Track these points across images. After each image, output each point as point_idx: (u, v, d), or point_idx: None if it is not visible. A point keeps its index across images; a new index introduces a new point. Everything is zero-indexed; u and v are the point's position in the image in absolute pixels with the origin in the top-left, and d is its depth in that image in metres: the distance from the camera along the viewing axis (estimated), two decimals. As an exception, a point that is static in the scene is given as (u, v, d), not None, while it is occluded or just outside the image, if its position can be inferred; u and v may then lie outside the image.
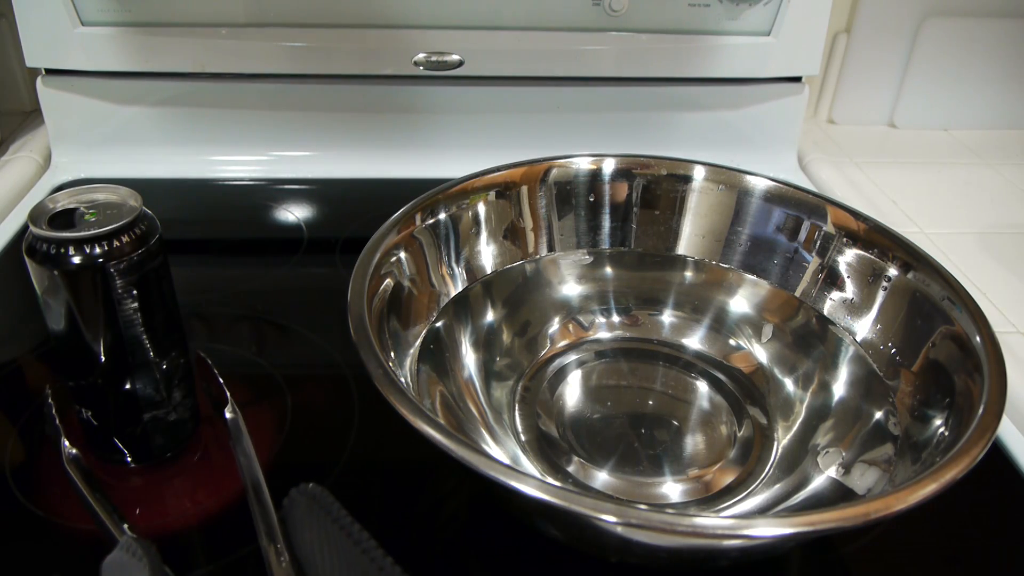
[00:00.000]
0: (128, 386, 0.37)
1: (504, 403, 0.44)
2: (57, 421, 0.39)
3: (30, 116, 0.78)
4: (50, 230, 0.33)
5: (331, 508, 0.29)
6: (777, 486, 0.40)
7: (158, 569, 0.29)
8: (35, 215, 0.34)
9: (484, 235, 0.48)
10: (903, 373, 0.40)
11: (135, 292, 0.35)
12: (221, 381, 0.41)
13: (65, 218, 0.34)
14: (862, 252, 0.45)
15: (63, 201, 0.35)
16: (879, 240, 0.44)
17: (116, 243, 0.33)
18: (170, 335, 0.38)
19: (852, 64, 0.84)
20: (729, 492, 0.40)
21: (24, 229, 0.61)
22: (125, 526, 0.34)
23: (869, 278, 0.44)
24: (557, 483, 0.38)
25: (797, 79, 0.72)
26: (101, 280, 0.34)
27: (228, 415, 0.40)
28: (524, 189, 0.49)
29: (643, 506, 0.31)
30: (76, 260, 0.33)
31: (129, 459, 0.39)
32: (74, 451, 0.38)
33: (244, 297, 0.55)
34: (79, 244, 0.33)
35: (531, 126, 0.72)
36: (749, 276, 0.49)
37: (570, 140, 0.71)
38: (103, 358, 0.36)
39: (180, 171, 0.69)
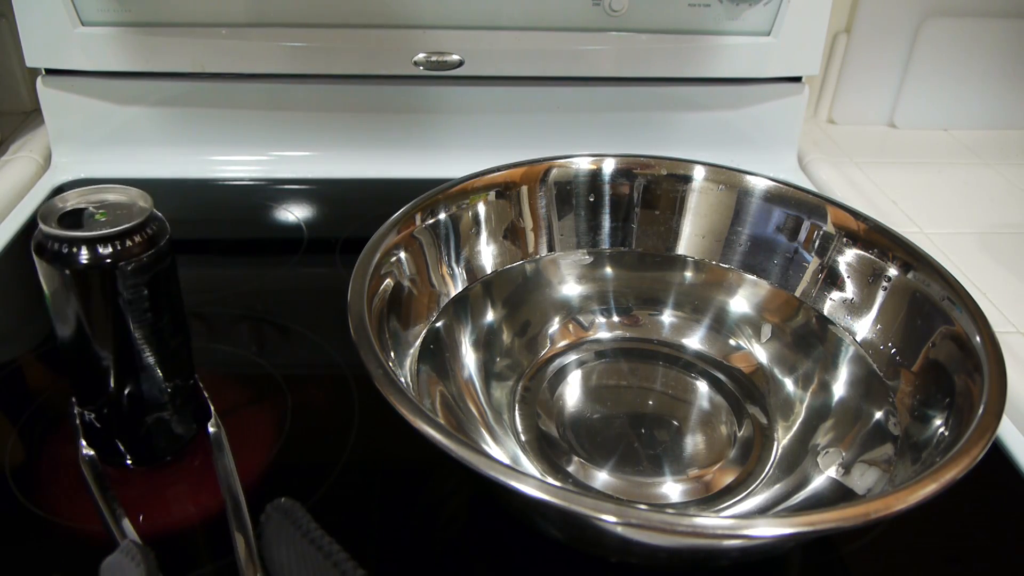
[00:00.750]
0: (132, 387, 0.37)
1: (504, 403, 0.44)
2: (78, 421, 0.39)
3: (30, 116, 0.78)
4: (60, 229, 0.33)
5: (302, 523, 0.29)
6: (777, 486, 0.40)
7: (153, 575, 0.29)
8: (45, 213, 0.34)
9: (484, 235, 0.48)
10: (903, 373, 0.40)
11: (144, 293, 0.35)
12: (206, 395, 0.41)
13: (74, 217, 0.34)
14: (862, 252, 0.45)
15: (72, 200, 0.35)
16: (879, 240, 0.44)
17: (127, 244, 0.33)
18: (176, 337, 0.38)
19: (852, 64, 0.84)
20: (729, 492, 0.40)
21: (25, 229, 0.61)
22: (129, 528, 0.34)
23: (869, 278, 0.44)
24: (557, 483, 0.38)
25: (797, 79, 0.72)
26: (110, 280, 0.34)
27: (211, 429, 0.40)
28: (524, 189, 0.49)
29: (643, 506, 0.31)
30: (86, 260, 0.33)
31: (130, 461, 0.39)
32: (91, 452, 0.38)
33: (244, 297, 0.55)
34: (90, 244, 0.33)
35: (531, 126, 0.72)
36: (749, 276, 0.49)
37: (570, 140, 0.71)
38: (108, 358, 0.36)
39: (180, 171, 0.69)
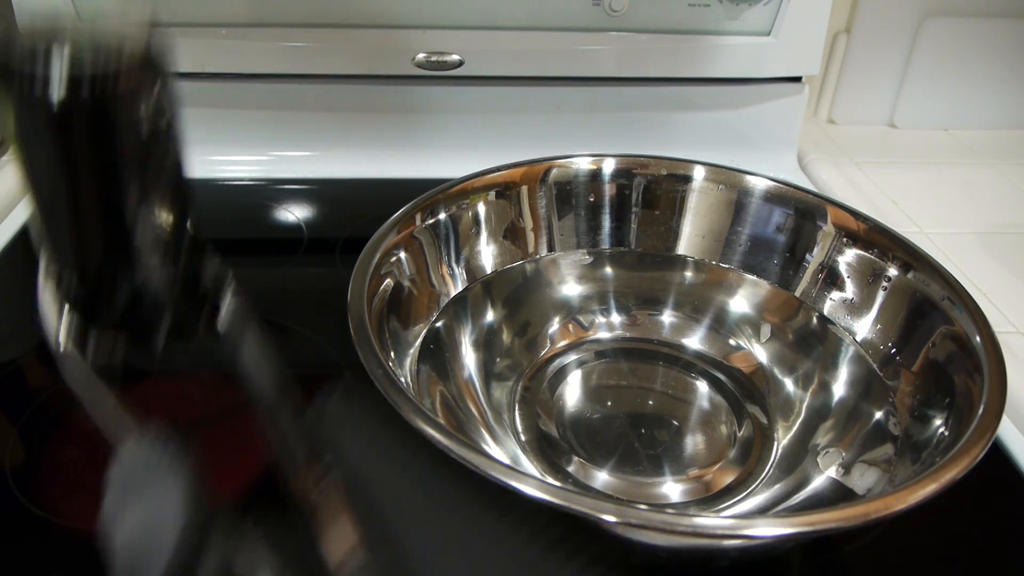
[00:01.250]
0: (124, 258, 0.29)
1: (504, 403, 0.44)
2: (52, 306, 0.29)
3: (30, 116, 0.78)
4: (33, 61, 0.25)
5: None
6: (777, 486, 0.40)
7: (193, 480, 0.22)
8: (10, 39, 0.26)
9: (484, 235, 0.48)
10: (903, 373, 0.40)
11: (138, 139, 0.27)
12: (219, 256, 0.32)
13: (50, 48, 0.26)
14: (862, 252, 0.45)
15: (45, 27, 0.26)
16: (879, 240, 0.44)
17: (119, 80, 0.25)
18: (176, 197, 0.30)
19: (852, 64, 0.84)
20: (729, 492, 0.40)
21: (24, 229, 0.61)
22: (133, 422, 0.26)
23: (869, 278, 0.44)
24: (557, 483, 0.38)
25: (797, 79, 0.72)
26: (97, 124, 0.26)
27: (227, 299, 0.31)
28: (524, 189, 0.49)
29: (643, 506, 0.31)
30: (68, 101, 0.25)
31: (123, 355, 0.30)
32: (70, 345, 0.29)
33: (244, 297, 0.54)
34: (73, 80, 0.25)
35: (531, 126, 0.72)
36: (749, 276, 0.49)
37: (570, 140, 0.71)
38: (94, 221, 0.28)
39: (180, 171, 0.69)
